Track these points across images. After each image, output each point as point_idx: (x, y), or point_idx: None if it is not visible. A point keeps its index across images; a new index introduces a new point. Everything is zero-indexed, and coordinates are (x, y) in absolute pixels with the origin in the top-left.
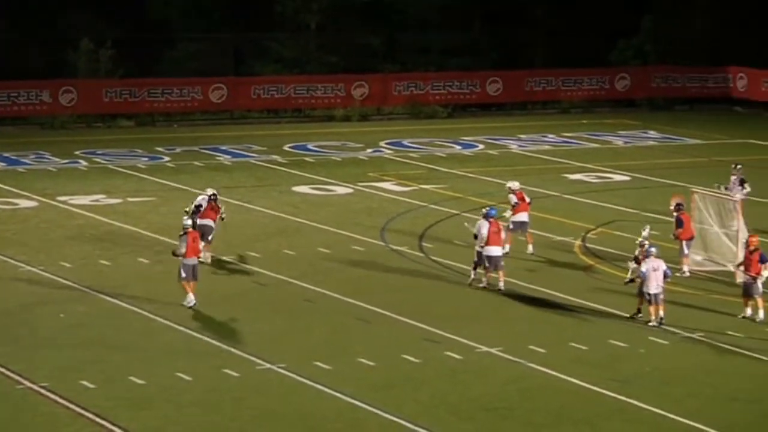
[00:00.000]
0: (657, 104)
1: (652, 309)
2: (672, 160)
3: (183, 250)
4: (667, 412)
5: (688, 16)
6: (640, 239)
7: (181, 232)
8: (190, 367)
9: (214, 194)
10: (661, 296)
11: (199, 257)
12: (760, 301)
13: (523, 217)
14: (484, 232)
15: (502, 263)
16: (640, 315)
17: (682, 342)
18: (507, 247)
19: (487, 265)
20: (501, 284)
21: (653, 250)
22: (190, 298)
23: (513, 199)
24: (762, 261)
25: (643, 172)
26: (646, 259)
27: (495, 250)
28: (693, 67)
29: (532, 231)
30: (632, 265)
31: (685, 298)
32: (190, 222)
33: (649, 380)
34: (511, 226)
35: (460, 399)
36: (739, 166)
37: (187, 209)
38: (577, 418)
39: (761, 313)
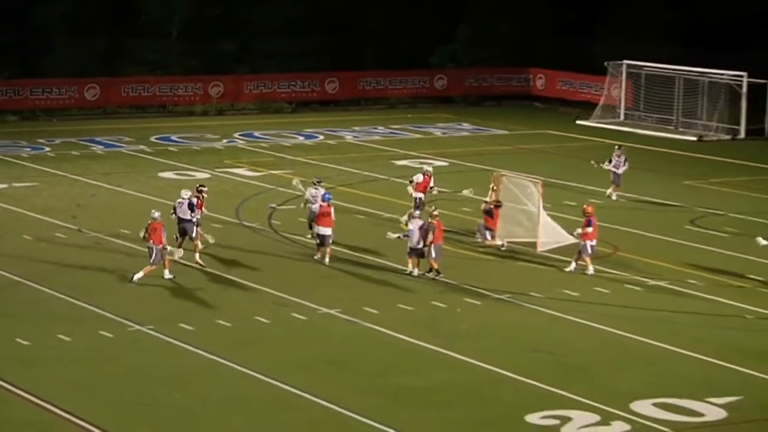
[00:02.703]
0: (470, 100)
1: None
2: (483, 148)
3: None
4: (482, 362)
5: (496, 25)
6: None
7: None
8: (70, 330)
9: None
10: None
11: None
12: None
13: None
14: (315, 208)
15: (330, 241)
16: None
17: (493, 302)
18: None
19: (318, 242)
20: (327, 260)
21: (418, 212)
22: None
23: (419, 177)
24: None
25: (458, 158)
26: (413, 220)
27: (325, 231)
28: (500, 68)
29: (364, 209)
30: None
31: (494, 264)
32: (157, 214)
33: (465, 335)
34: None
35: (305, 354)
36: (621, 149)
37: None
38: (405, 368)
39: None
